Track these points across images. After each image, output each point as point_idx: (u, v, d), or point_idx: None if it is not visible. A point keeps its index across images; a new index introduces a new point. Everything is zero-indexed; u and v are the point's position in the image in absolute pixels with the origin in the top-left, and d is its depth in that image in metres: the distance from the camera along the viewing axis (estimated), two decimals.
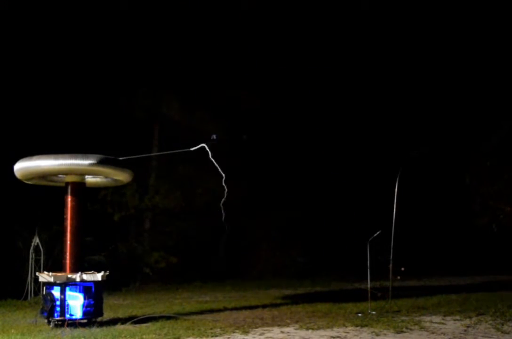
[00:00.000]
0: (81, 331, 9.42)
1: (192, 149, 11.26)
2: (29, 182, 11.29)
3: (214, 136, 10.57)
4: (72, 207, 10.61)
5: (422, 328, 9.53)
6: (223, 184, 10.65)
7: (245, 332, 9.29)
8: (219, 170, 10.57)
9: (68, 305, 10.10)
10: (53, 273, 10.31)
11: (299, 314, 11.50)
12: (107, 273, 10.60)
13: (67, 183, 10.77)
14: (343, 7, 22.70)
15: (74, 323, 9.96)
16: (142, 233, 21.18)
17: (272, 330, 9.57)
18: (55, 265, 14.01)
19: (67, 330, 9.63)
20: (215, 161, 11.07)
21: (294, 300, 14.37)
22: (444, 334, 8.94)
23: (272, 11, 21.83)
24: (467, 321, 10.21)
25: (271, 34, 21.65)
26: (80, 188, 10.78)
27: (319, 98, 23.63)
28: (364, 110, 24.44)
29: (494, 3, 21.66)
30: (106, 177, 11.20)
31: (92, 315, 10.25)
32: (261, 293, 16.64)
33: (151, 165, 21.22)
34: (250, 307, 12.83)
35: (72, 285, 10.19)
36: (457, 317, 10.66)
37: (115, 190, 18.94)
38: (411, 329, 9.39)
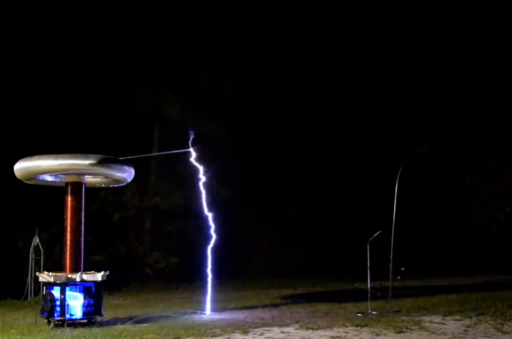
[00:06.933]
0: (81, 331, 9.41)
1: (190, 149, 11.31)
2: (29, 182, 11.29)
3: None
4: (72, 207, 10.62)
5: (422, 328, 9.52)
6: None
7: (245, 332, 9.28)
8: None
9: (68, 305, 10.10)
10: (53, 273, 10.32)
11: (299, 314, 11.50)
12: (107, 273, 10.60)
13: (67, 183, 10.78)
14: (343, 7, 22.71)
15: (74, 323, 9.96)
16: (142, 233, 21.17)
17: (272, 330, 9.57)
18: (55, 265, 14.00)
19: (67, 330, 9.62)
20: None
21: (294, 300, 14.37)
22: (444, 334, 8.94)
23: (272, 11, 21.84)
24: (467, 321, 10.19)
25: (272, 34, 21.65)
26: (80, 188, 10.78)
27: (319, 99, 23.62)
28: (364, 110, 24.43)
29: (494, 3, 21.66)
30: (106, 177, 11.21)
31: (92, 315, 10.25)
32: (261, 293, 16.64)
33: (151, 165, 21.21)
34: (250, 307, 12.83)
35: (72, 285, 10.19)
36: (457, 317, 10.65)
37: (115, 190, 18.92)
38: (411, 329, 9.38)
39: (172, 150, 12.17)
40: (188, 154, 11.80)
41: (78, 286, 10.23)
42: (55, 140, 17.29)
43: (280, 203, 23.31)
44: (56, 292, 10.13)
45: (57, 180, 11.28)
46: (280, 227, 23.35)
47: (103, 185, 12.23)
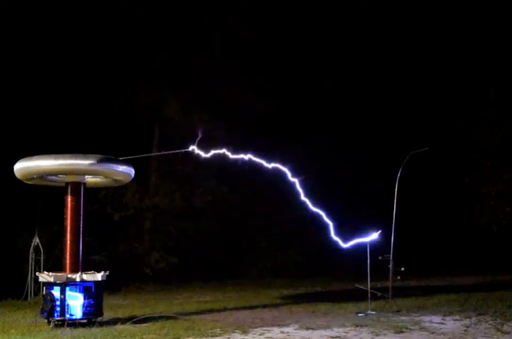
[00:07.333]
0: (81, 331, 9.42)
1: (191, 149, 11.32)
2: (29, 182, 11.29)
3: None
4: (72, 207, 10.62)
5: (422, 328, 9.53)
6: None
7: (245, 332, 9.29)
8: None
9: (68, 305, 10.10)
10: (53, 273, 10.32)
11: (299, 314, 11.50)
12: (107, 273, 10.61)
13: (67, 183, 10.78)
14: (343, 5, 22.69)
15: (74, 323, 9.96)
16: (142, 233, 21.16)
17: (272, 330, 9.57)
18: (55, 265, 14.01)
19: (67, 330, 9.63)
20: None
21: (294, 300, 14.38)
22: (444, 334, 8.94)
23: (272, 10, 21.82)
24: (467, 321, 10.20)
25: (272, 33, 21.62)
26: (80, 188, 10.78)
27: (319, 98, 23.59)
28: (364, 110, 24.41)
29: (494, 3, 21.64)
30: (106, 177, 11.21)
31: (92, 315, 10.25)
32: (261, 293, 16.64)
33: (151, 165, 21.21)
34: (250, 307, 12.83)
35: (72, 285, 10.19)
36: (457, 317, 10.66)
37: (115, 190, 18.93)
38: (411, 329, 9.38)
39: (172, 150, 12.17)
40: (188, 153, 11.80)
41: (78, 286, 10.23)
42: (55, 140, 17.28)
43: (281, 203, 23.27)
44: (56, 292, 10.13)
45: (57, 180, 11.29)
46: (280, 227, 23.33)
47: (103, 185, 12.23)
